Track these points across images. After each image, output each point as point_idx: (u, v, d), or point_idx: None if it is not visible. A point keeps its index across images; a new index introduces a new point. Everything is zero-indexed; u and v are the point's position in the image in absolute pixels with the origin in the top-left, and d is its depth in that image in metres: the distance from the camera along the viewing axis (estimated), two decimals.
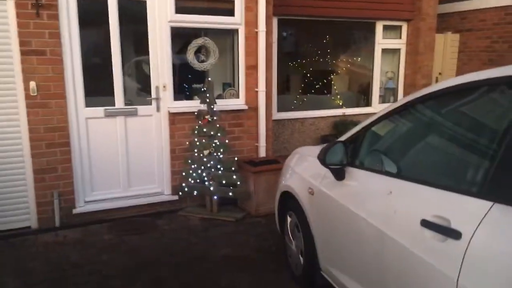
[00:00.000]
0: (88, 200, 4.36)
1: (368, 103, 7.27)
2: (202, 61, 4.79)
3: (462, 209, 1.57)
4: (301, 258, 2.94)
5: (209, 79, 4.57)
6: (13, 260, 3.48)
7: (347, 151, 2.36)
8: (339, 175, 2.36)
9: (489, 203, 1.46)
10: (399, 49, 7.24)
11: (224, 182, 4.47)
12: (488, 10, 7.56)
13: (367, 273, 2.12)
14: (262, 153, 5.09)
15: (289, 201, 3.08)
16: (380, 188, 2.04)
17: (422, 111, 2.07)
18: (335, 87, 7.23)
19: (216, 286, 3.07)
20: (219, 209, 4.56)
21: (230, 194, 4.46)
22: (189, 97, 4.88)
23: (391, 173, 2.06)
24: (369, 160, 2.28)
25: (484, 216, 1.45)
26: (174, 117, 4.59)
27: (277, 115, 6.45)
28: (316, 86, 7.00)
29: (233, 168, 4.50)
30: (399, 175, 2.01)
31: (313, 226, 2.70)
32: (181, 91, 4.89)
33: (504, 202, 1.42)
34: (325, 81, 7.11)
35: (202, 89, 4.51)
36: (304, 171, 2.90)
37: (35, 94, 3.94)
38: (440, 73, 8.20)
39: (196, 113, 4.51)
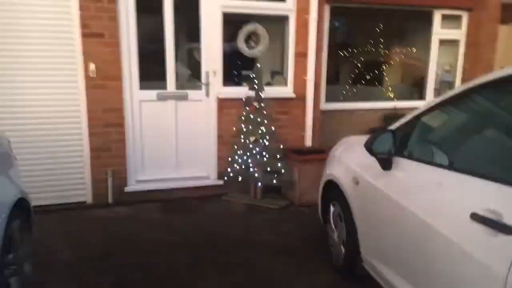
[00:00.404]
0: (139, 179, 4.56)
1: (421, 97, 6.99)
2: (252, 48, 4.82)
3: None
4: (343, 248, 2.91)
5: (258, 65, 4.59)
6: (70, 231, 3.72)
7: (396, 140, 2.30)
8: (386, 165, 2.31)
9: None
10: (458, 40, 6.88)
11: (268, 169, 4.50)
12: None
13: (411, 267, 2.07)
14: (308, 142, 5.07)
15: (333, 190, 3.06)
16: (429, 179, 1.98)
17: (476, 101, 1.97)
18: (387, 79, 7.02)
19: (258, 270, 3.12)
20: (262, 196, 4.60)
21: (274, 181, 4.49)
22: (238, 84, 4.93)
23: (442, 164, 1.99)
24: (419, 150, 2.20)
25: None
26: (222, 102, 4.67)
27: (325, 106, 6.36)
28: (367, 77, 6.84)
29: (278, 156, 4.52)
30: (450, 166, 1.94)
31: (356, 216, 2.66)
32: (231, 77, 4.95)
33: None
34: (377, 72, 6.92)
35: (251, 76, 4.54)
36: (349, 160, 2.86)
37: (94, 75, 4.15)
38: (502, 67, 7.70)
39: (244, 100, 4.56)
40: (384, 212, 2.33)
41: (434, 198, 1.90)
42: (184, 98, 4.57)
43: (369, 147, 2.29)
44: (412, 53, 7.03)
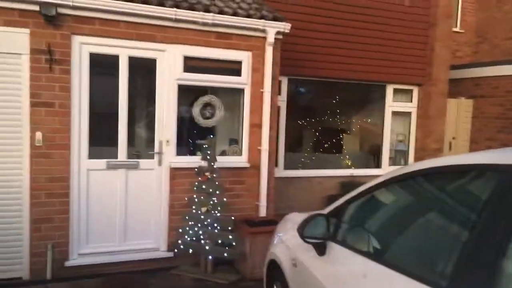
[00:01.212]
0: (82, 252, 4.32)
1: (377, 165, 7.18)
2: (208, 118, 4.87)
3: None
4: None
5: (211, 136, 4.62)
6: None
7: (329, 224, 2.28)
8: (320, 249, 2.27)
9: None
10: (410, 112, 7.23)
11: (220, 241, 4.38)
12: (501, 77, 7.56)
13: None
14: (263, 212, 5.01)
15: (275, 270, 2.97)
16: (356, 269, 1.94)
17: (402, 191, 2.01)
18: (344, 147, 7.20)
19: None
20: (214, 269, 4.43)
21: (225, 254, 4.35)
22: (193, 153, 4.92)
23: (368, 253, 1.97)
24: (349, 236, 2.19)
25: None
26: (175, 172, 4.61)
27: (284, 173, 6.42)
28: (326, 145, 7.00)
29: (229, 228, 4.42)
30: (375, 257, 1.91)
31: None
32: (185, 146, 4.95)
33: None
34: (334, 140, 7.10)
35: (204, 146, 4.55)
36: (290, 240, 2.81)
37: (40, 144, 4.05)
38: (454, 138, 8.09)
39: (196, 169, 4.52)
40: None
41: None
42: (135, 167, 4.50)
43: (300, 231, 2.26)
44: (368, 123, 7.30)
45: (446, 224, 1.68)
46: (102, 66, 4.46)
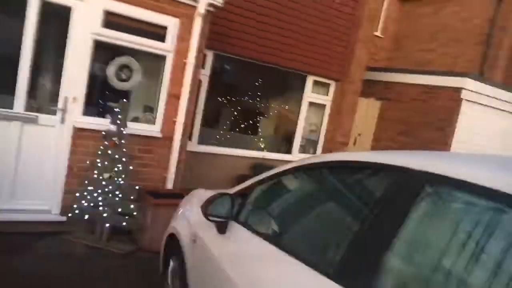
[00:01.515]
0: None
1: (288, 151, 7.43)
2: (123, 80, 4.60)
3: None
4: None
5: (124, 100, 4.38)
6: None
7: (233, 204, 2.30)
8: (221, 228, 2.28)
9: None
10: (324, 105, 7.56)
11: (120, 210, 4.21)
12: (408, 85, 8.22)
13: None
14: (170, 185, 4.92)
15: (174, 244, 2.93)
16: (253, 250, 1.99)
17: (307, 179, 2.08)
18: (260, 130, 7.33)
19: None
20: (110, 238, 4.25)
21: (124, 224, 4.20)
22: (102, 115, 4.62)
23: (267, 236, 2.02)
24: (252, 218, 2.23)
25: None
26: (79, 132, 4.30)
27: (197, 148, 6.35)
28: (242, 125, 7.05)
29: (132, 197, 4.27)
30: (273, 240, 1.97)
31: (190, 276, 2.57)
32: (94, 106, 4.63)
33: None
34: (251, 122, 7.19)
35: (115, 109, 4.29)
36: (193, 216, 2.78)
37: None
38: (359, 134, 8.67)
39: (103, 133, 4.26)
40: (212, 277, 2.27)
41: (253, 271, 1.90)
42: (34, 121, 4.10)
43: (204, 209, 2.25)
44: (285, 109, 7.50)
45: (341, 216, 1.78)
46: (8, 4, 3.94)
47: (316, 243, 1.77)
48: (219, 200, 2.27)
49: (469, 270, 1.19)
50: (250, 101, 7.06)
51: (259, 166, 6.74)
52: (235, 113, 6.96)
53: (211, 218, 2.25)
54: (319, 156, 2.06)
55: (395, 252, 1.36)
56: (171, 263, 2.99)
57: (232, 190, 2.46)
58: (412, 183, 1.43)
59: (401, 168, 1.51)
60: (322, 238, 1.76)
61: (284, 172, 2.20)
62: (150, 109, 5.02)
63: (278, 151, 7.36)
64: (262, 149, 7.17)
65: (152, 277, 3.73)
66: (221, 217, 2.27)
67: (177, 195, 4.61)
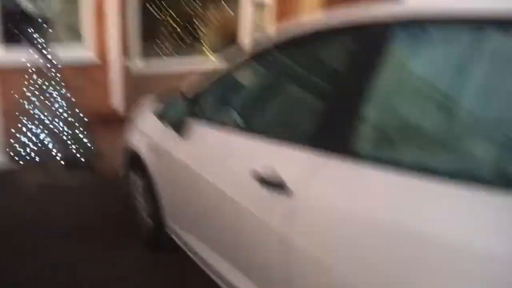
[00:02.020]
0: None
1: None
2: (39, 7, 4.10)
3: (292, 161, 1.53)
4: (150, 221, 2.79)
5: (49, 29, 3.92)
6: None
7: (190, 106, 2.21)
8: (180, 132, 2.21)
9: (318, 156, 1.44)
10: (267, 4, 7.23)
11: (70, 143, 4.01)
12: None
13: (209, 232, 2.07)
14: (118, 110, 4.70)
15: (135, 161, 2.86)
16: (221, 142, 1.96)
17: (266, 63, 2.00)
18: (204, 38, 7.02)
19: (56, 255, 2.75)
20: (64, 171, 4.09)
21: (78, 155, 4.03)
22: (24, 48, 4.16)
23: (233, 126, 1.98)
24: (213, 114, 2.17)
25: (313, 170, 1.44)
26: (4, 73, 3.88)
27: (140, 68, 5.99)
28: (185, 36, 6.70)
29: (81, 129, 4.06)
30: (238, 128, 1.94)
31: (159, 186, 2.54)
32: (13, 38, 4.14)
33: (330, 152, 1.40)
34: (194, 31, 6.84)
35: (39, 39, 3.85)
36: (148, 126, 2.68)
37: None
38: None
39: (31, 67, 3.85)
40: (183, 181, 2.25)
41: (221, 161, 1.90)
42: None
43: (160, 113, 2.15)
44: (228, 13, 7.13)
45: (310, 89, 1.75)
46: None
47: (289, 119, 1.76)
48: (175, 104, 2.18)
49: (450, 110, 1.21)
50: (189, 8, 6.62)
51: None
52: (175, 24, 6.55)
53: (170, 122, 2.17)
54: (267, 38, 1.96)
55: (373, 104, 1.36)
56: (136, 180, 2.95)
57: (187, 93, 2.35)
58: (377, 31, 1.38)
59: (364, 24, 1.45)
60: (294, 112, 1.75)
61: (238, 65, 2.11)
62: (76, 34, 4.58)
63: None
64: (209, 59, 6.93)
65: (117, 199, 3.69)
66: (180, 121, 2.19)
67: (126, 118, 4.45)
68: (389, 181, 1.21)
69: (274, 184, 1.52)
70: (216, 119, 2.13)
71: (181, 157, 2.23)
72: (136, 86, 5.57)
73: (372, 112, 1.36)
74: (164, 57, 6.39)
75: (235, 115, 2.04)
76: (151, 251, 2.84)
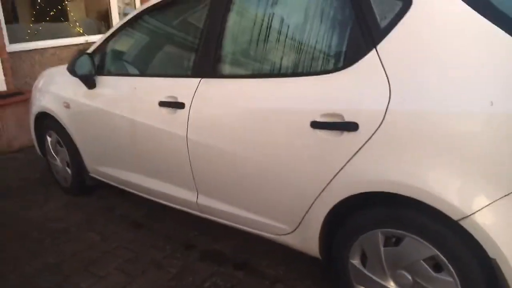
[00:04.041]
0: None
1: (110, 28, 7.36)
2: None
3: (183, 87, 2.19)
4: (69, 170, 3.20)
5: None
6: None
7: (94, 61, 2.68)
8: (90, 84, 2.69)
9: (198, 80, 2.13)
10: None
11: None
12: None
13: (127, 157, 2.62)
14: (2, 87, 4.74)
15: (45, 121, 3.21)
16: (127, 87, 2.50)
17: (146, 20, 2.55)
18: (72, 14, 6.99)
19: None
20: None
21: None
22: None
23: (133, 74, 2.55)
24: (115, 67, 2.68)
25: (196, 89, 2.12)
26: None
27: (10, 47, 5.89)
28: (51, 13, 6.62)
29: None
30: (139, 74, 2.52)
31: (75, 137, 2.97)
32: None
33: (204, 77, 2.11)
34: (59, 7, 6.77)
35: None
36: (56, 88, 3.05)
37: None
38: None
39: None
40: (98, 124, 2.73)
41: (132, 99, 2.46)
42: None
43: (71, 69, 2.59)
44: None
45: (185, 37, 2.38)
46: None
47: (174, 60, 2.38)
48: (80, 60, 2.62)
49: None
50: None
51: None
52: (39, 0, 6.44)
53: (79, 75, 2.62)
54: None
55: (226, 40, 2.06)
56: (49, 139, 3.30)
57: (89, 50, 2.80)
58: None
59: None
60: (177, 55, 2.37)
61: (132, 19, 2.61)
62: None
63: (100, 32, 7.26)
64: (82, 34, 6.98)
65: (28, 166, 3.95)
66: (88, 74, 2.65)
67: (18, 93, 4.57)
68: (243, 85, 1.97)
69: (173, 105, 2.18)
70: (117, 70, 2.66)
71: (93, 104, 2.71)
72: (12, 69, 5.53)
73: (226, 45, 2.08)
74: (34, 35, 6.32)
75: (132, 64, 2.60)
76: (76, 196, 3.30)
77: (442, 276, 1.51)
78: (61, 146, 3.18)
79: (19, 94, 4.52)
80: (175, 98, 2.19)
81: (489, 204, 1.33)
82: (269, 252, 2.40)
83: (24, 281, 2.33)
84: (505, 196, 1.31)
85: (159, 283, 2.24)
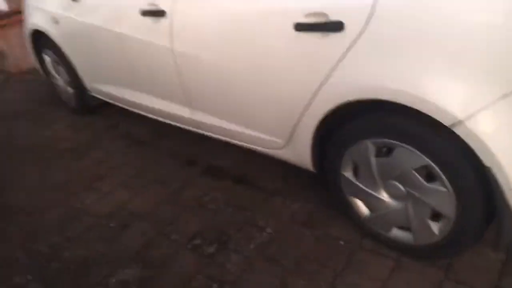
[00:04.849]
0: None
1: None
2: None
3: None
4: (70, 89, 3.16)
5: None
6: None
7: None
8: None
9: None
10: None
11: None
12: None
13: (119, 73, 2.52)
14: (4, 7, 4.59)
15: (40, 39, 3.11)
16: None
17: None
18: None
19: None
20: None
21: None
22: None
23: None
24: None
25: None
26: None
27: None
28: None
29: None
30: None
31: (69, 53, 2.87)
32: None
33: None
34: None
35: None
36: (44, 2, 2.89)
37: None
38: None
39: None
40: (87, 39, 2.60)
41: (114, 8, 2.30)
42: None
43: None
44: None
45: None
46: None
47: None
48: None
49: None
50: None
51: None
52: None
53: None
54: None
55: None
56: (47, 58, 3.22)
57: None
58: None
59: None
60: None
61: None
62: None
63: None
64: None
65: (39, 87, 3.95)
66: None
67: (17, 12, 4.41)
68: None
69: (155, 13, 2.00)
70: None
71: (79, 17, 2.56)
72: None
73: None
74: None
75: None
76: (82, 115, 3.30)
77: (435, 186, 1.42)
78: (59, 65, 3.10)
79: (19, 13, 4.37)
80: (156, 5, 2.01)
81: (484, 108, 1.17)
82: (268, 168, 2.36)
83: (32, 196, 2.42)
84: (501, 98, 1.15)
85: (161, 197, 2.27)
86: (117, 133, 3.02)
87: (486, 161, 1.23)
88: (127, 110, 2.82)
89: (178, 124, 2.40)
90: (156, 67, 2.20)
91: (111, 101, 2.88)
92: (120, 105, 2.81)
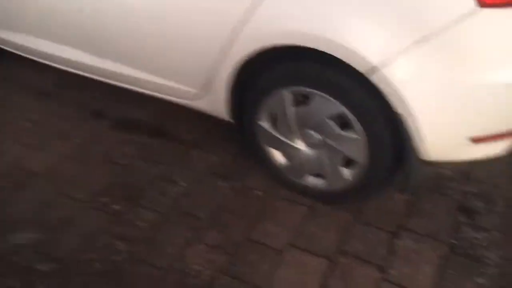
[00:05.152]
0: None
1: None
2: None
3: None
4: None
5: None
6: None
7: None
8: None
9: None
10: None
11: None
12: None
13: (19, 18, 2.16)
14: None
15: None
16: None
17: None
18: None
19: None
20: None
21: None
22: None
23: None
24: None
25: None
26: None
27: None
28: None
29: None
30: None
31: None
32: None
33: None
34: None
35: None
36: None
37: None
38: None
39: None
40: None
41: None
42: None
43: None
44: None
45: None
46: None
47: None
48: None
49: None
50: None
51: None
52: None
53: None
54: None
55: None
56: None
57: None
58: None
59: None
60: None
61: None
62: None
63: None
64: None
65: None
66: None
67: None
68: None
69: None
70: None
71: None
72: None
73: None
74: None
75: None
76: None
77: (348, 134, 1.42)
78: None
79: None
80: None
81: (398, 54, 1.16)
82: (187, 120, 2.22)
83: None
84: (414, 43, 1.14)
85: (63, 153, 2.04)
86: (14, 84, 2.64)
87: (399, 108, 1.24)
88: (25, 59, 2.45)
89: (85, 74, 2.14)
90: (56, 5, 1.90)
91: (8, 49, 2.47)
92: (18, 53, 2.43)
